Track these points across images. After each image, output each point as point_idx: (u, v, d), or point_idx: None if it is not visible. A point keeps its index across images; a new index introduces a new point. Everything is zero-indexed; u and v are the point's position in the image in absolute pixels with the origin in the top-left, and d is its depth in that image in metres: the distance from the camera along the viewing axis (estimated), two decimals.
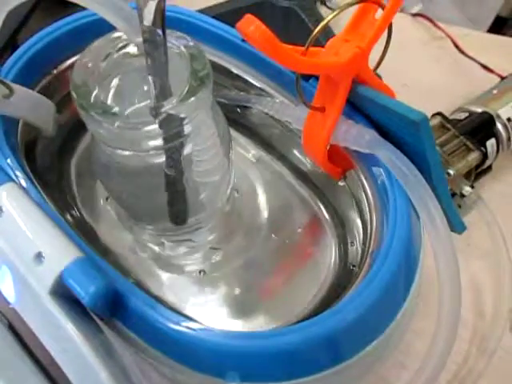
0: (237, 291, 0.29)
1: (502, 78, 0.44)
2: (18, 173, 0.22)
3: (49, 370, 0.18)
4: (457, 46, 0.50)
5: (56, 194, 0.29)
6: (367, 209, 0.25)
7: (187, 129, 0.21)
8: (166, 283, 0.29)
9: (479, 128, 0.37)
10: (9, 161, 0.22)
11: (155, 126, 0.20)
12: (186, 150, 0.23)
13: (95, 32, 0.23)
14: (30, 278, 0.18)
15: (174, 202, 0.26)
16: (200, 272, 0.28)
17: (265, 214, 0.30)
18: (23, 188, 0.21)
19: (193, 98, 0.20)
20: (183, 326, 0.17)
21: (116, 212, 0.29)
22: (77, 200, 0.30)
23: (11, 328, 0.22)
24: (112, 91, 0.21)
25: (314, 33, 0.20)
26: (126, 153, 0.22)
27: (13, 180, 0.20)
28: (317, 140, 0.25)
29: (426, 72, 0.50)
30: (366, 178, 0.25)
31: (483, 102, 0.40)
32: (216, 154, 0.24)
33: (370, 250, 0.23)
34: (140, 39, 0.19)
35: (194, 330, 0.17)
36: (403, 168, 0.22)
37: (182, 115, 0.20)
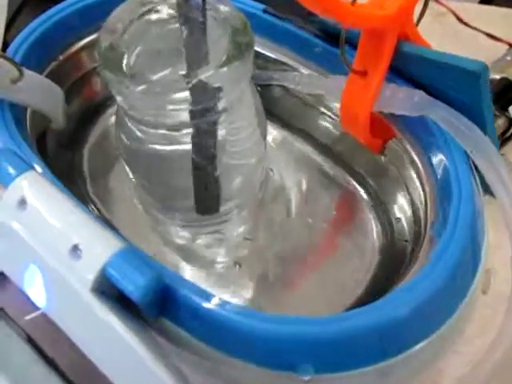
0: (275, 282, 0.26)
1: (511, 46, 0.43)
2: (33, 162, 0.20)
3: None
4: (460, 19, 0.49)
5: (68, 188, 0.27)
6: (416, 181, 0.23)
7: (223, 103, 0.19)
8: (195, 278, 0.27)
9: (500, 94, 0.36)
10: (23, 149, 0.20)
11: (186, 94, 0.18)
12: (221, 129, 0.20)
13: (106, 11, 0.21)
14: (67, 275, 0.16)
15: (202, 190, 0.24)
16: (235, 264, 0.26)
17: (297, 197, 0.28)
18: (45, 176, 0.18)
19: (232, 66, 0.17)
20: (249, 317, 0.15)
21: (140, 200, 0.26)
22: (91, 194, 0.27)
23: (31, 341, 0.19)
24: (142, 56, 0.18)
25: None
26: (154, 131, 0.20)
27: (32, 168, 0.18)
28: (358, 109, 0.23)
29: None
30: (412, 147, 0.23)
31: (500, 68, 0.39)
32: (253, 133, 0.21)
33: (428, 224, 0.21)
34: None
35: (263, 319, 0.15)
36: (462, 127, 0.20)
37: (218, 85, 0.18)
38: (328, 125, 0.30)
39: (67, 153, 0.28)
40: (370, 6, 0.20)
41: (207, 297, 0.16)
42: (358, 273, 0.25)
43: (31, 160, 0.20)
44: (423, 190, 0.23)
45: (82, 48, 0.27)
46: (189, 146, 0.21)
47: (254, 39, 0.18)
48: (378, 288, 0.25)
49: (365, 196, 0.28)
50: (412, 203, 0.24)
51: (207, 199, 0.25)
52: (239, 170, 0.23)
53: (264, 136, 0.22)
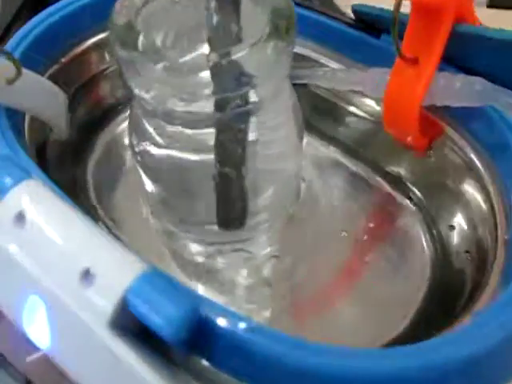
0: (308, 305, 0.23)
1: None
2: (33, 171, 0.17)
3: None
4: None
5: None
6: (474, 181, 0.20)
7: (256, 94, 0.16)
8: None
9: None
10: (21, 157, 0.17)
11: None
12: (252, 127, 0.17)
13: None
14: (77, 307, 0.12)
15: (226, 200, 0.21)
16: (263, 285, 0.23)
17: (330, 209, 0.25)
18: (47, 185, 0.15)
19: (271, 47, 0.15)
20: (326, 356, 0.12)
21: (155, 214, 0.23)
22: (97, 210, 0.24)
23: None
24: (163, 34, 0.15)
25: None
26: (174, 129, 0.17)
27: (33, 176, 0.15)
28: (406, 104, 0.20)
29: None
30: (469, 143, 0.20)
31: None
32: (290, 133, 0.18)
33: (501, 229, 0.18)
34: None
35: (349, 358, 0.12)
36: None
37: (253, 70, 0.15)
38: (356, 125, 0.27)
39: (70, 166, 0.24)
40: None
41: (258, 330, 0.13)
42: (405, 293, 0.22)
43: (30, 168, 0.16)
44: (484, 190, 0.20)
45: (89, 49, 0.24)
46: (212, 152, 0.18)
47: (295, 18, 0.15)
48: (430, 312, 0.21)
49: (408, 204, 0.25)
50: (467, 206, 0.21)
51: (231, 211, 0.22)
52: (271, 178, 0.20)
53: (301, 138, 0.19)
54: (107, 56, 0.25)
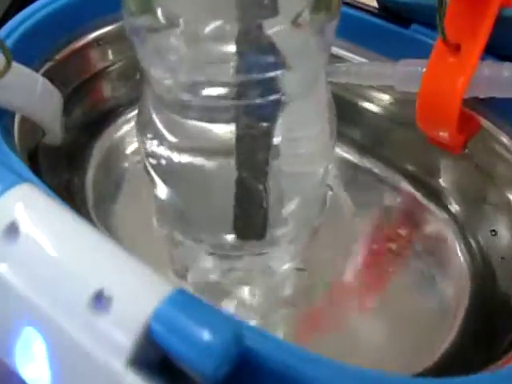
0: (335, 325, 0.20)
1: None
2: (26, 175, 0.14)
3: None
4: None
5: None
6: None
7: (288, 80, 0.14)
8: None
9: None
10: (12, 160, 0.14)
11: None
12: (280, 123, 0.15)
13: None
14: (87, 340, 0.10)
15: (246, 207, 0.19)
16: (285, 303, 0.20)
17: (354, 217, 0.23)
18: (43, 191, 0.13)
19: (312, 23, 0.12)
20: None
21: (163, 223, 0.21)
22: (96, 222, 0.22)
23: None
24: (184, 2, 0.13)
25: None
26: (190, 123, 0.14)
27: (27, 180, 0.12)
28: (447, 97, 0.18)
29: None
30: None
31: None
32: (322, 132, 0.16)
33: None
34: None
35: None
36: None
37: (288, 50, 0.13)
38: (377, 123, 0.25)
39: (65, 174, 0.22)
40: None
41: (318, 362, 0.10)
42: (442, 313, 0.20)
43: (23, 172, 0.14)
44: None
45: (88, 44, 0.22)
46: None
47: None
48: (473, 331, 0.19)
49: (442, 211, 0.22)
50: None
51: (251, 221, 0.19)
52: (298, 184, 0.17)
53: (334, 138, 0.17)
54: (110, 53, 0.22)
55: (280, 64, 0.13)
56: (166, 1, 0.12)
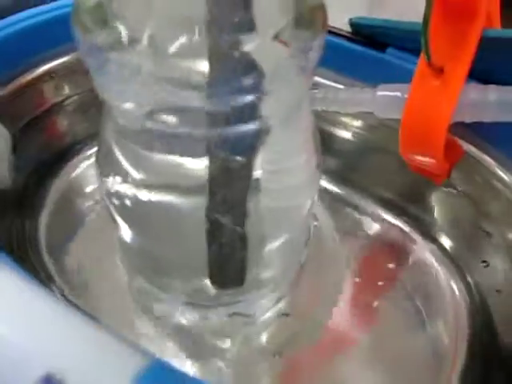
0: (323, 375, 0.19)
1: None
2: None
3: None
4: None
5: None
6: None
7: (269, 105, 0.12)
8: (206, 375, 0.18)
9: None
10: None
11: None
12: (266, 151, 0.13)
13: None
14: None
15: (219, 253, 0.17)
16: (273, 355, 0.18)
17: (336, 250, 0.21)
18: None
19: (296, 40, 0.11)
20: None
21: (130, 271, 0.18)
22: (51, 273, 0.19)
23: None
24: (146, 20, 0.11)
25: None
26: (155, 157, 0.13)
27: None
28: (432, 123, 0.17)
29: None
30: (499, 164, 0.18)
31: None
32: (307, 162, 0.15)
33: None
34: None
35: None
36: None
37: (268, 70, 0.11)
38: (351, 149, 0.24)
39: (14, 219, 0.19)
40: None
41: None
42: (438, 355, 0.18)
43: None
44: None
45: (40, 77, 0.20)
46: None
47: (326, 12, 0.12)
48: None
49: (427, 239, 0.21)
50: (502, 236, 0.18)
51: (227, 267, 0.18)
52: (281, 221, 0.16)
53: (319, 167, 0.15)
54: (65, 86, 0.20)
55: (259, 87, 0.11)
56: (127, 13, 0.10)
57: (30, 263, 0.19)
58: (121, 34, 0.10)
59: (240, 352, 0.18)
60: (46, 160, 0.21)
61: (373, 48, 0.19)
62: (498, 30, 0.16)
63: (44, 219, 0.20)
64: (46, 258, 0.19)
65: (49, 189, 0.21)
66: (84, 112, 0.22)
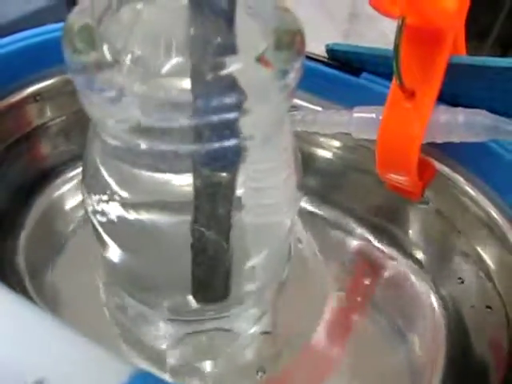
0: None
1: None
2: None
3: None
4: None
5: None
6: (485, 224, 0.18)
7: (251, 123, 0.13)
8: None
9: None
10: None
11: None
12: (243, 170, 0.14)
13: (54, 53, 0.15)
14: None
15: (203, 268, 0.17)
16: (256, 372, 0.18)
17: (321, 272, 0.22)
18: None
19: (279, 60, 0.12)
20: None
21: (112, 289, 0.18)
22: (31, 294, 0.19)
23: None
24: (132, 42, 0.12)
25: None
26: (140, 175, 0.13)
27: None
28: (405, 143, 0.18)
29: None
30: (470, 182, 0.18)
31: None
32: (289, 180, 0.15)
33: None
34: None
35: None
36: None
37: (249, 91, 0.12)
38: (330, 169, 0.24)
39: None
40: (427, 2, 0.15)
41: None
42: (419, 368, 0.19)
43: None
44: (494, 234, 0.17)
45: (22, 100, 0.20)
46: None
47: (304, 35, 0.13)
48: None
49: (408, 259, 0.22)
50: (477, 254, 0.19)
51: (211, 281, 0.18)
52: (263, 237, 0.16)
53: (300, 185, 0.16)
54: (48, 109, 0.21)
55: (241, 105, 0.12)
56: (112, 35, 0.11)
57: (9, 284, 0.18)
58: (107, 54, 0.11)
59: (223, 369, 0.18)
60: (27, 181, 0.21)
61: (348, 72, 0.20)
62: (463, 56, 0.17)
63: (23, 241, 0.20)
64: (26, 279, 0.19)
65: (30, 210, 0.20)
66: (66, 134, 0.22)
